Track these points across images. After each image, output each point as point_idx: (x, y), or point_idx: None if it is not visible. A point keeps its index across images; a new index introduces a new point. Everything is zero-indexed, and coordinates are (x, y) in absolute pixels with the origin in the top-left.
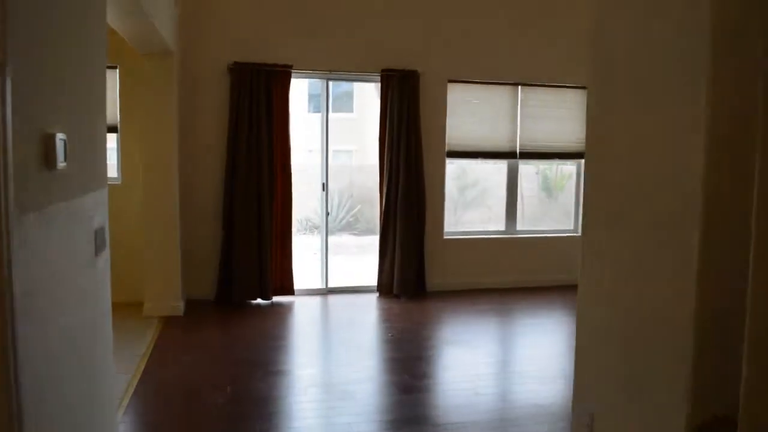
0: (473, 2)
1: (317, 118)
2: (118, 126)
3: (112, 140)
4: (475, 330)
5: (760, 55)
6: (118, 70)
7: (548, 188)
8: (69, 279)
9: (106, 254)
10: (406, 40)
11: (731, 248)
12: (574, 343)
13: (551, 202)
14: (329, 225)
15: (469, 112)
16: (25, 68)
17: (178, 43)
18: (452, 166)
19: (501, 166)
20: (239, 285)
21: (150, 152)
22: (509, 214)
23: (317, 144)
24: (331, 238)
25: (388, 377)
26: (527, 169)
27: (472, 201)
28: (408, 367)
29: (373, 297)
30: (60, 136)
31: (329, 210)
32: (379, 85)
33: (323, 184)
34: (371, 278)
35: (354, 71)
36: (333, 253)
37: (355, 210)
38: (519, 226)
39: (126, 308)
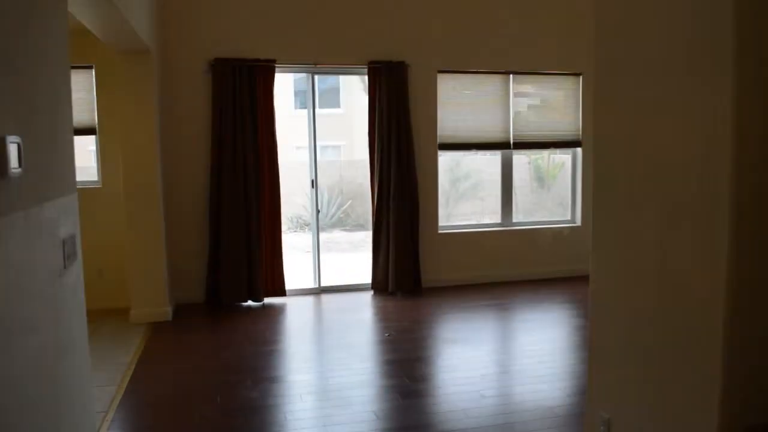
0: None
1: (304, 114)
2: (97, 128)
3: (91, 143)
4: (474, 327)
5: None
6: (93, 70)
7: (540, 178)
8: (33, 295)
9: (77, 266)
10: (393, 31)
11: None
12: (578, 339)
13: (544, 192)
14: (320, 222)
15: (461, 103)
16: None
17: (155, 39)
18: (444, 158)
19: (493, 158)
20: (228, 287)
21: (130, 154)
22: (504, 206)
23: (305, 140)
24: (322, 235)
25: (387, 381)
26: (519, 159)
27: (464, 193)
28: (407, 369)
29: (368, 295)
30: (12, 139)
31: (319, 207)
32: (366, 78)
33: (312, 181)
34: (365, 275)
35: (340, 64)
36: (325, 250)
37: (346, 206)
38: (514, 218)
39: (112, 315)
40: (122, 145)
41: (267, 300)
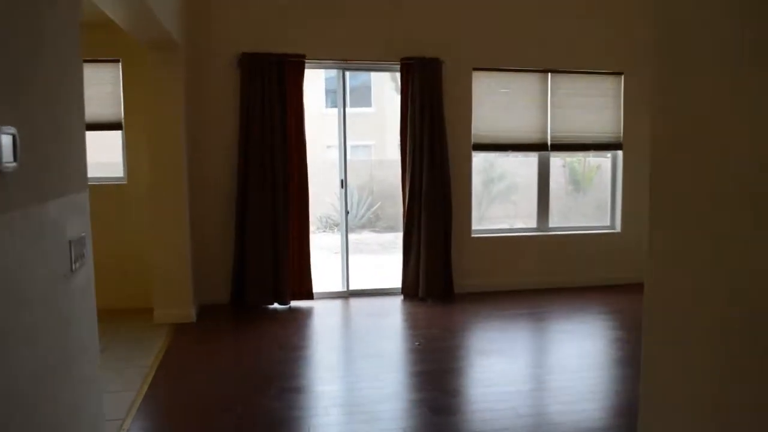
0: None
1: (335, 113)
2: (123, 123)
3: (117, 138)
4: (508, 337)
5: None
6: (120, 64)
7: (576, 181)
8: (35, 302)
9: (87, 268)
10: (428, 26)
11: None
12: (618, 352)
13: (580, 197)
14: (349, 223)
15: (496, 102)
16: None
17: (183, 33)
18: (477, 158)
19: (528, 159)
20: (254, 289)
21: (156, 149)
22: (541, 210)
23: (336, 139)
24: (351, 236)
25: (417, 395)
26: (553, 162)
27: (497, 195)
28: (438, 382)
29: (398, 300)
30: (7, 130)
31: (349, 208)
32: (398, 75)
33: (342, 181)
34: (394, 279)
35: (372, 60)
36: (354, 251)
37: (376, 207)
38: (550, 223)
39: (136, 315)
40: (148, 140)
41: (293, 303)
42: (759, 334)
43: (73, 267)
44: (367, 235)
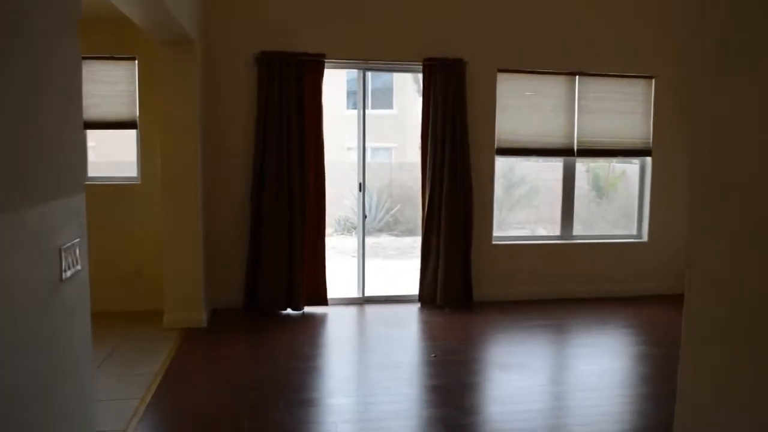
0: None
1: (356, 114)
2: (137, 121)
3: (132, 137)
4: (528, 351)
5: None
6: (136, 62)
7: (599, 188)
8: (16, 315)
9: (81, 277)
10: (451, 26)
11: None
12: (644, 369)
13: (603, 204)
14: (367, 226)
15: (521, 104)
16: None
17: (199, 30)
18: (498, 162)
19: (550, 164)
20: (267, 294)
21: (170, 149)
22: (565, 217)
23: (356, 141)
24: (369, 239)
25: (432, 411)
26: (577, 167)
27: (518, 200)
28: (454, 398)
29: (414, 308)
30: None
31: (366, 212)
32: (420, 76)
33: (360, 184)
34: (412, 286)
35: (393, 60)
36: (371, 255)
37: (395, 210)
38: (574, 231)
39: (148, 318)
40: (161, 140)
41: (307, 309)
42: None
43: (64, 276)
44: (385, 239)
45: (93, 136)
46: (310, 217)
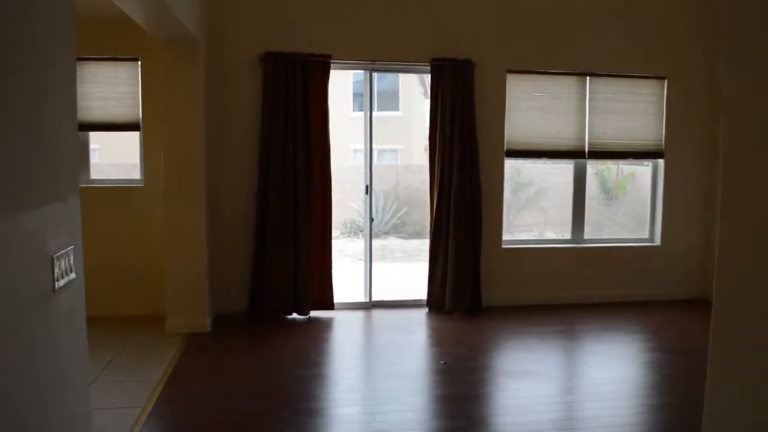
0: None
1: (362, 116)
2: (140, 123)
3: (135, 139)
4: (539, 358)
5: None
6: (139, 63)
7: (607, 190)
8: (4, 326)
9: (76, 286)
10: (460, 25)
11: None
12: (656, 378)
13: (613, 206)
14: (374, 229)
15: (531, 106)
16: None
17: (203, 30)
18: (506, 164)
19: (558, 166)
20: (272, 298)
21: (173, 151)
22: (576, 221)
23: (362, 143)
24: (375, 242)
25: (442, 422)
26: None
27: (525, 203)
28: (464, 408)
29: (422, 313)
30: None
31: (374, 214)
32: (426, 77)
33: (366, 187)
34: (419, 290)
35: (400, 61)
36: (378, 258)
37: (402, 212)
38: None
39: (149, 323)
40: (164, 142)
41: (313, 313)
42: None
43: (56, 285)
44: (392, 242)
45: (97, 139)
46: (316, 220)
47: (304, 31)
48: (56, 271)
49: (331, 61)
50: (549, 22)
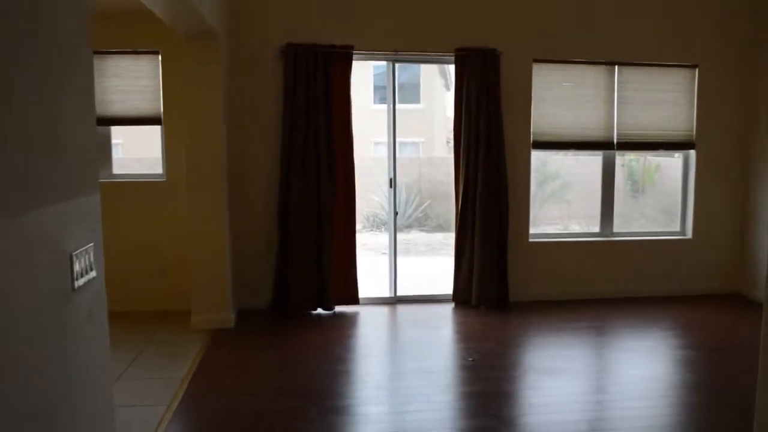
0: None
1: (383, 109)
2: (162, 117)
3: (156, 133)
4: (568, 355)
5: None
6: (160, 56)
7: (634, 181)
8: (21, 328)
9: (96, 285)
10: (485, 14)
11: None
12: (691, 375)
13: (640, 198)
14: (397, 222)
15: (558, 96)
16: None
17: (223, 23)
18: (532, 156)
19: (585, 157)
20: (297, 294)
21: (194, 145)
22: (605, 214)
23: (384, 136)
24: (399, 236)
25: (470, 421)
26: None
27: (551, 195)
28: (493, 407)
29: (449, 308)
30: None
31: (397, 207)
32: (448, 69)
33: (390, 180)
34: (445, 284)
35: (424, 51)
36: (401, 252)
37: (425, 205)
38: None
39: (174, 318)
40: (186, 135)
41: (338, 308)
42: None
43: (76, 285)
44: (415, 235)
45: (120, 133)
46: (340, 214)
47: (325, 23)
48: (76, 269)
49: (354, 52)
50: (576, 10)
